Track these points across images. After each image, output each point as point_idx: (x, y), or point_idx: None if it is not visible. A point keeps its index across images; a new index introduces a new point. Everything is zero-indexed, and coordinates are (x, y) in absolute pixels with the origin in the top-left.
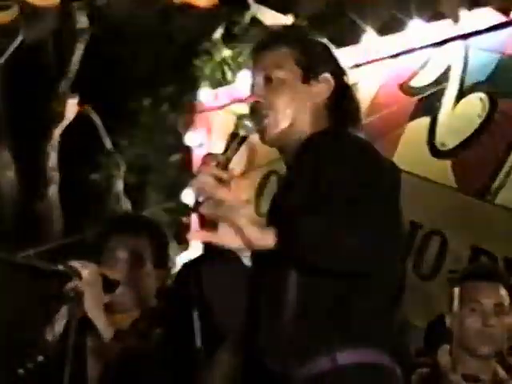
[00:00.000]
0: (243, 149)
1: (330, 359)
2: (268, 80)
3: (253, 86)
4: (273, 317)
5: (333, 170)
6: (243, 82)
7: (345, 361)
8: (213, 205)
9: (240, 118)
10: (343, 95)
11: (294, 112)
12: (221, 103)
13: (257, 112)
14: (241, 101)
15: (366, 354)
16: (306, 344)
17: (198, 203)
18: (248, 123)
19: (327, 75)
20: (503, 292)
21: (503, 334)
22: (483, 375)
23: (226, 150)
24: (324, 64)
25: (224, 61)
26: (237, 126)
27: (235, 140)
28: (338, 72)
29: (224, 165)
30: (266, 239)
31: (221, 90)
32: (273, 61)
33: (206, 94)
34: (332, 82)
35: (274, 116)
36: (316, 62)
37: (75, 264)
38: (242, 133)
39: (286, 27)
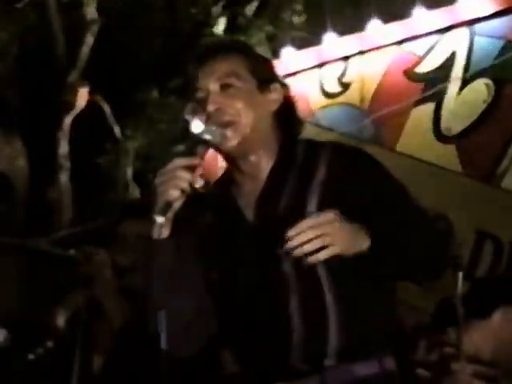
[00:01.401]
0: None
1: (378, 363)
2: (225, 87)
3: (203, 91)
4: (310, 319)
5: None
6: None
7: (389, 366)
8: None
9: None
10: (290, 105)
11: (254, 120)
12: None
13: (216, 119)
14: None
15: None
16: (350, 346)
17: (168, 204)
18: (213, 128)
19: (277, 85)
20: None
21: None
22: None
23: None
24: (272, 75)
25: None
26: (202, 132)
27: (201, 145)
28: (282, 83)
29: (192, 169)
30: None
31: None
32: (229, 68)
33: None
34: (282, 92)
35: (236, 124)
36: (267, 72)
37: (86, 249)
38: (207, 137)
39: (229, 39)
